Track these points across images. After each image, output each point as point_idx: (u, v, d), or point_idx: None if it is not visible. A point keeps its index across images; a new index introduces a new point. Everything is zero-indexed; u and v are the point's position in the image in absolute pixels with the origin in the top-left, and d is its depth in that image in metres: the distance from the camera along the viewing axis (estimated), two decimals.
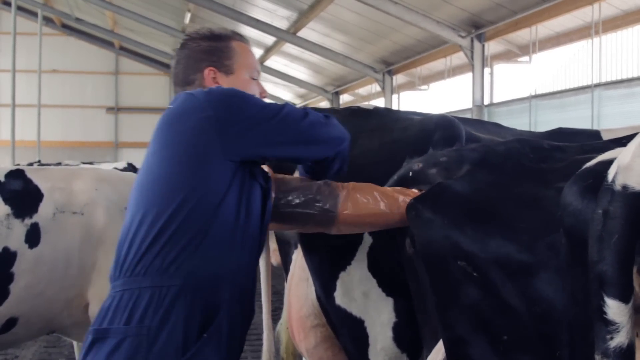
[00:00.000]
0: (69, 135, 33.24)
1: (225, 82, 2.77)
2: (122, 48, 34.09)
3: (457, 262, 2.20)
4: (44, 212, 4.70)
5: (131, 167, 11.38)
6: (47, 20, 32.69)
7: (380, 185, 2.70)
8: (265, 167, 2.68)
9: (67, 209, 4.78)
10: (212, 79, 2.77)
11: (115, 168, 9.06)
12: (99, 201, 4.85)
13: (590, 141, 3.58)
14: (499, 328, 2.12)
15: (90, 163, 12.88)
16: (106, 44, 33.93)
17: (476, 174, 2.36)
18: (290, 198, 2.66)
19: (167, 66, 34.27)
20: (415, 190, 2.58)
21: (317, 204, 2.64)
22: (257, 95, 2.77)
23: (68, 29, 33.30)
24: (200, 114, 2.43)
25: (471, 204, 2.27)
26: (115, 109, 34.36)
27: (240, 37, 2.93)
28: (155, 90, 34.39)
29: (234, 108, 2.45)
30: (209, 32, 2.89)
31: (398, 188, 2.64)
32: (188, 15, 23.87)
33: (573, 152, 2.39)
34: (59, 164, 12.46)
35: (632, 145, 1.68)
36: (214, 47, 2.83)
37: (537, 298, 2.04)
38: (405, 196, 2.57)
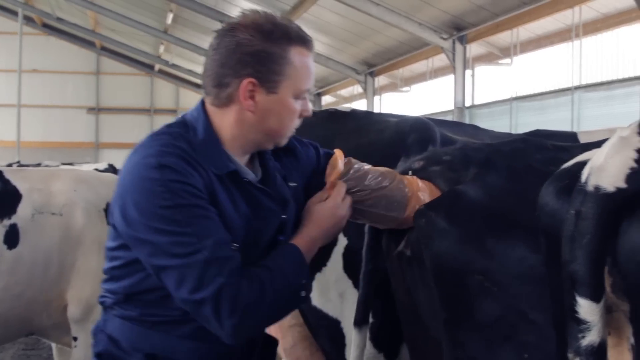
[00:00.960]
0: (49, 136, 33.02)
1: (263, 102, 2.25)
2: (103, 48, 33.91)
3: (474, 275, 2.10)
4: (22, 213, 4.69)
5: (112, 168, 11.31)
6: (28, 20, 32.47)
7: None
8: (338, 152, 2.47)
9: (46, 210, 4.77)
10: (248, 92, 2.23)
11: (96, 169, 9.02)
12: (77, 202, 4.84)
13: (568, 142, 3.62)
14: (521, 346, 2.06)
15: (71, 164, 12.80)
16: (87, 43, 33.74)
17: (487, 178, 2.24)
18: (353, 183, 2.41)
19: (149, 66, 34.18)
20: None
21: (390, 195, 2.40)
22: (294, 119, 2.33)
23: (49, 28, 33.09)
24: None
25: (489, 212, 2.17)
26: (96, 109, 34.17)
27: (304, 41, 2.30)
28: (137, 91, 34.26)
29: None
30: (270, 24, 2.26)
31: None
32: (170, 16, 23.81)
33: (577, 153, 2.22)
34: (38, 164, 12.38)
35: (605, 146, 1.69)
36: (266, 53, 2.22)
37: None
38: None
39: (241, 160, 2.35)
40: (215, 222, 2.17)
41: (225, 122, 2.30)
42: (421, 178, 2.39)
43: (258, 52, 2.22)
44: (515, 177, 2.25)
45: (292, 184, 2.47)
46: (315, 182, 2.51)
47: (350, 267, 2.96)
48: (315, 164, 2.59)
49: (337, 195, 2.38)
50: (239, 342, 2.23)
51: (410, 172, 2.45)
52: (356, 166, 2.44)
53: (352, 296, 2.96)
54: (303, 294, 2.26)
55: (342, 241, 2.98)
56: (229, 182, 2.26)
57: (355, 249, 2.88)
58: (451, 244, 2.16)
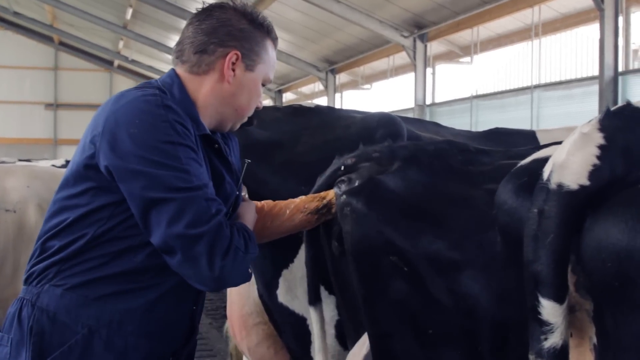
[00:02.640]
0: (6, 132, 32.47)
1: (240, 76, 2.41)
2: (61, 43, 33.46)
3: (389, 257, 2.21)
4: None
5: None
6: None
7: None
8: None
9: (1, 207, 4.70)
10: (231, 63, 2.39)
11: (53, 165, 8.89)
12: (30, 198, 4.78)
13: (526, 141, 3.67)
14: (425, 322, 2.15)
15: (28, 160, 12.60)
16: (45, 38, 33.26)
17: (407, 171, 2.37)
18: None
19: (108, 62, 33.81)
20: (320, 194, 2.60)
21: None
22: (257, 103, 2.51)
23: (5, 22, 32.54)
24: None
25: (404, 200, 2.28)
26: (55, 105, 33.70)
27: (275, 38, 2.55)
28: (96, 87, 33.84)
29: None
30: (256, 15, 2.49)
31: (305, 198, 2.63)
32: (129, 11, 23.57)
33: (498, 157, 2.43)
34: None
35: (567, 143, 1.69)
36: (251, 34, 2.44)
37: (463, 294, 2.07)
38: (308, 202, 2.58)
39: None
40: (205, 171, 2.25)
41: (201, 89, 2.40)
42: (351, 171, 2.54)
43: (245, 30, 2.43)
44: (434, 173, 2.35)
45: (247, 160, 2.62)
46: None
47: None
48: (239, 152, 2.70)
49: (248, 198, 2.61)
50: (218, 288, 2.25)
51: (342, 168, 2.57)
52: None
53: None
54: (250, 270, 2.32)
55: None
56: (202, 145, 2.32)
57: (322, 246, 2.87)
58: (370, 227, 2.27)
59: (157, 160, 2.13)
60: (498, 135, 3.74)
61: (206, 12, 2.43)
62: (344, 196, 2.39)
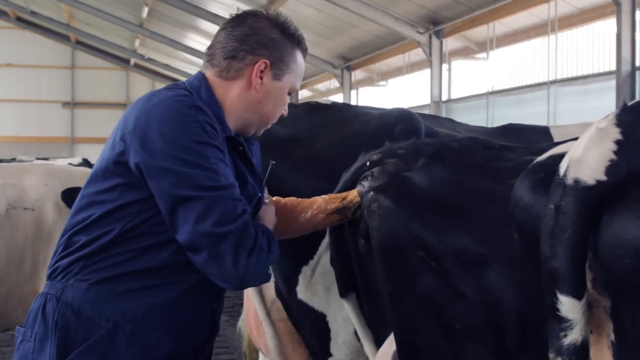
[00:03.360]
0: (24, 131, 32.66)
1: (267, 85, 2.46)
2: (78, 42, 33.59)
3: (417, 252, 2.22)
4: None
5: (86, 163, 11.23)
6: (2, 13, 32.13)
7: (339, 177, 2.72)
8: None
9: (19, 205, 4.75)
10: (259, 72, 2.44)
11: (70, 164, 8.96)
12: (48, 197, 4.83)
13: (539, 137, 3.66)
14: (452, 317, 2.15)
15: (46, 159, 12.69)
16: (62, 37, 33.40)
17: (432, 168, 2.39)
18: None
19: (124, 61, 33.92)
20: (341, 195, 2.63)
21: None
22: (282, 111, 2.57)
23: (23, 22, 32.72)
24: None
25: (430, 196, 2.30)
26: (72, 104, 33.84)
27: (305, 49, 2.59)
28: (113, 85, 33.97)
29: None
30: (288, 25, 2.53)
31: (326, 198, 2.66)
32: (146, 9, 23.63)
33: (522, 152, 2.44)
34: (13, 159, 12.27)
35: (583, 138, 1.68)
36: (282, 44, 2.49)
37: (490, 288, 2.07)
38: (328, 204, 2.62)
39: None
40: (231, 172, 2.29)
41: (228, 94, 2.45)
42: (377, 166, 2.56)
43: (276, 40, 2.47)
44: (459, 169, 2.37)
45: (272, 162, 2.68)
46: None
47: None
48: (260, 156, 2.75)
49: (271, 200, 2.64)
50: (242, 287, 2.31)
51: (368, 163, 2.59)
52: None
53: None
54: (270, 271, 2.36)
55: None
56: (228, 147, 2.36)
57: (343, 242, 2.89)
58: (397, 223, 2.29)
59: (186, 159, 2.18)
60: (511, 132, 3.73)
61: (240, 19, 2.49)
62: (372, 192, 2.41)
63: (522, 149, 2.49)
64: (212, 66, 2.48)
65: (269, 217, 2.53)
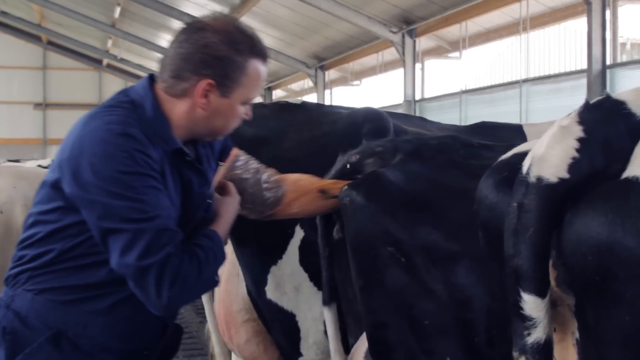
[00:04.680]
0: None
1: (215, 103, 2.41)
2: (50, 42, 33.29)
3: (387, 247, 2.23)
4: None
5: None
6: None
7: (317, 176, 2.71)
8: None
9: None
10: (204, 91, 2.38)
11: (40, 165, 8.87)
12: (17, 199, 4.80)
13: (513, 134, 3.67)
14: (421, 313, 2.16)
15: (17, 160, 12.56)
16: (33, 38, 33.09)
17: (409, 164, 2.40)
18: (239, 172, 2.71)
19: (97, 61, 33.67)
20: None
21: (266, 190, 2.69)
22: (237, 122, 2.53)
23: None
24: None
25: (404, 192, 2.31)
26: (44, 105, 33.54)
27: (262, 54, 2.50)
28: (85, 86, 33.72)
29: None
30: (237, 35, 2.43)
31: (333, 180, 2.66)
32: (118, 9, 23.47)
33: (500, 151, 2.44)
34: None
35: (546, 136, 1.69)
36: (228, 60, 2.39)
37: (459, 285, 2.07)
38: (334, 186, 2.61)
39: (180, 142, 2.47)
40: (165, 196, 2.30)
41: (175, 110, 2.43)
42: (358, 171, 2.56)
43: (222, 57, 2.39)
44: (436, 166, 2.39)
45: (221, 163, 2.69)
46: (222, 159, 2.73)
47: (307, 260, 2.96)
48: (224, 142, 2.74)
49: (235, 191, 2.63)
50: (169, 314, 2.35)
51: (348, 166, 2.60)
52: (242, 157, 2.75)
53: (307, 289, 2.96)
54: (217, 277, 2.44)
55: (299, 233, 2.99)
56: (172, 160, 2.38)
57: (312, 241, 2.88)
58: (368, 218, 2.31)
59: (113, 190, 2.20)
60: (484, 129, 3.73)
61: (187, 34, 2.43)
62: (345, 187, 2.43)
63: (500, 148, 2.47)
64: (161, 80, 2.45)
65: (226, 211, 2.57)
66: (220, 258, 2.42)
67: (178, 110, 2.42)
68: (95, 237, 2.26)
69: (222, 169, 2.69)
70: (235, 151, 2.76)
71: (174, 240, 2.24)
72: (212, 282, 2.42)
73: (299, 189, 2.69)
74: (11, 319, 2.36)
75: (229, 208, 2.58)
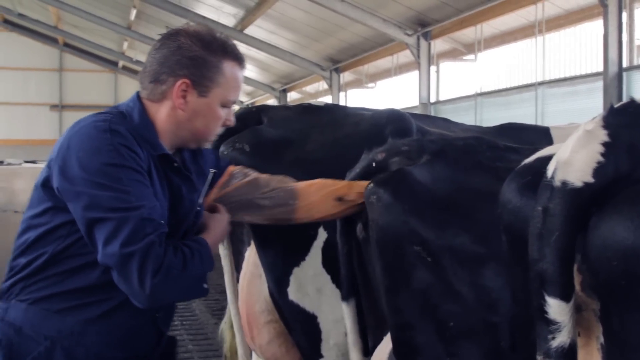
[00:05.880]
0: (12, 133, 32.55)
1: (193, 103, 2.48)
2: (66, 44, 33.49)
3: (413, 246, 2.23)
4: None
5: None
6: None
7: (340, 177, 2.74)
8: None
9: (9, 208, 4.78)
10: (181, 91, 2.47)
11: None
12: None
13: (539, 137, 3.63)
14: (447, 314, 2.16)
15: (34, 162, 12.66)
16: (50, 40, 33.31)
17: (435, 165, 2.40)
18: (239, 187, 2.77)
19: (112, 63, 33.84)
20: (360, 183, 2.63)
21: (269, 199, 2.74)
22: (219, 124, 2.58)
23: (10, 24, 32.61)
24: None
25: (431, 192, 2.31)
26: (60, 106, 33.76)
27: (236, 57, 2.57)
28: (101, 87, 33.92)
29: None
30: (209, 37, 2.51)
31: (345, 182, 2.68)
32: (134, 12, 23.60)
33: (526, 154, 2.42)
34: (1, 162, 12.23)
35: (570, 140, 1.69)
36: (202, 60, 2.47)
37: (486, 288, 2.07)
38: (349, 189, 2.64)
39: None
40: (151, 192, 2.35)
41: (158, 115, 2.51)
42: (383, 168, 2.54)
43: (196, 57, 2.47)
44: (462, 168, 2.37)
45: (212, 170, 2.74)
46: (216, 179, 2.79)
47: (329, 261, 2.97)
48: (215, 163, 2.82)
49: (224, 211, 2.69)
50: (150, 305, 2.33)
51: (374, 164, 2.59)
52: (238, 173, 2.83)
53: (330, 291, 2.97)
54: (205, 285, 2.44)
55: (322, 235, 3.00)
56: (159, 166, 2.45)
57: (334, 242, 2.89)
58: (395, 216, 2.30)
59: (98, 182, 2.26)
60: (509, 131, 3.66)
61: (162, 40, 2.52)
62: (372, 185, 2.43)
63: (527, 150, 2.45)
64: (143, 89, 2.54)
65: (216, 227, 2.63)
66: (207, 262, 2.43)
67: (160, 114, 2.50)
68: (82, 232, 2.30)
69: (216, 187, 2.77)
70: (230, 168, 2.83)
71: (157, 230, 2.27)
72: (198, 287, 2.42)
73: (311, 195, 2.72)
74: (6, 330, 2.41)
75: (218, 223, 2.64)
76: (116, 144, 2.29)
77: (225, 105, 2.56)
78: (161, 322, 2.61)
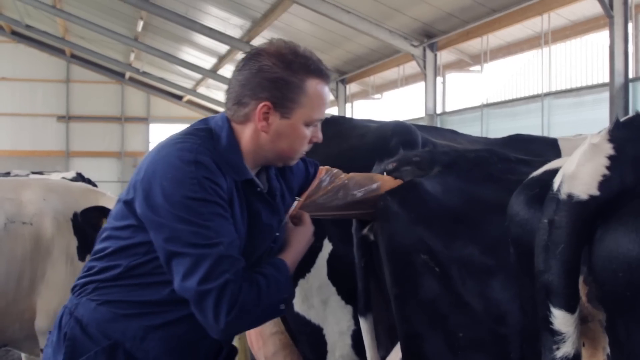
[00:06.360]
0: (19, 144, 32.61)
1: (276, 125, 2.47)
2: (73, 56, 33.59)
3: (420, 255, 2.26)
4: None
5: (80, 177, 11.24)
6: None
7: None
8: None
9: (17, 219, 4.75)
10: (263, 114, 2.45)
11: (64, 178, 8.95)
12: (46, 211, 4.83)
13: (546, 149, 3.63)
14: (456, 325, 2.18)
15: (40, 173, 12.67)
16: (57, 51, 33.40)
17: (446, 176, 2.43)
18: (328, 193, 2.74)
19: (119, 74, 33.92)
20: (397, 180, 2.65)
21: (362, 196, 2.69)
22: (304, 144, 2.55)
23: (18, 36, 32.72)
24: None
25: (440, 203, 2.34)
26: (67, 118, 33.81)
27: (321, 74, 2.53)
28: (108, 99, 33.94)
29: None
30: (290, 56, 2.47)
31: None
32: (140, 23, 23.67)
33: (537, 166, 2.43)
34: (8, 173, 12.26)
35: (576, 153, 1.71)
36: (283, 81, 2.44)
37: (495, 299, 2.09)
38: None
39: (252, 172, 2.54)
40: (231, 224, 2.36)
41: (243, 136, 2.50)
42: (394, 177, 2.61)
43: (277, 79, 2.44)
44: (473, 180, 2.40)
45: (295, 199, 2.74)
46: (305, 188, 2.79)
47: (335, 273, 2.98)
48: (305, 174, 2.81)
49: (309, 222, 2.68)
50: (226, 338, 2.40)
51: (384, 173, 2.65)
52: (326, 177, 2.78)
53: (335, 303, 2.98)
54: (282, 307, 2.45)
55: (327, 247, 3.01)
56: (242, 190, 2.46)
57: (340, 254, 2.90)
58: (402, 225, 2.34)
59: (180, 215, 2.28)
60: (516, 142, 3.66)
61: (245, 60, 2.51)
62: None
63: (538, 163, 2.48)
64: (227, 109, 2.55)
65: (298, 243, 2.62)
66: (285, 288, 2.44)
67: (245, 136, 2.50)
68: (161, 260, 2.34)
69: (305, 193, 2.75)
70: (321, 173, 2.81)
71: (234, 267, 2.29)
72: (275, 310, 2.44)
73: (386, 182, 2.68)
74: (73, 325, 2.46)
75: (301, 238, 2.64)
76: (200, 177, 2.31)
77: (310, 124, 2.53)
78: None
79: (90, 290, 2.48)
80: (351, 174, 2.77)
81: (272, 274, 2.42)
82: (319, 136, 2.59)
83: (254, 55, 2.49)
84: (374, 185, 2.63)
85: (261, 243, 2.55)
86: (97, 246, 2.54)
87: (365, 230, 2.65)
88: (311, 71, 2.50)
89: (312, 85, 2.49)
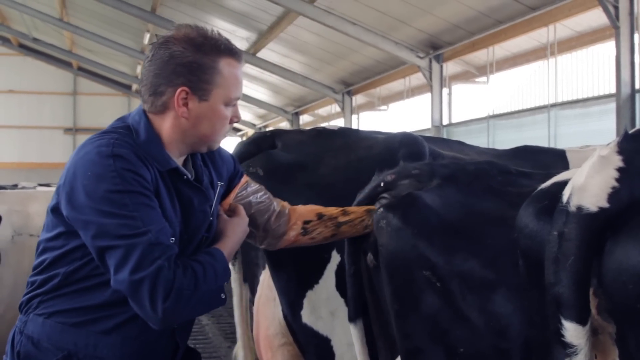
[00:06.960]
0: (26, 157, 32.75)
1: (196, 109, 2.45)
2: (80, 68, 33.74)
3: (422, 271, 2.24)
4: (2, 235, 4.69)
5: None
6: (4, 40, 32.32)
7: (352, 201, 2.75)
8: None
9: (25, 232, 4.77)
10: (182, 100, 2.44)
11: None
12: None
13: (555, 160, 3.62)
14: (456, 340, 2.17)
15: (47, 185, 12.71)
16: (64, 64, 33.56)
17: (446, 189, 2.42)
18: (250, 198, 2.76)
19: (126, 87, 34.05)
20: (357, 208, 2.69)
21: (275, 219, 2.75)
22: (225, 124, 2.55)
23: (25, 48, 32.90)
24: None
25: (440, 216, 2.32)
26: (74, 130, 33.94)
27: (232, 53, 2.51)
28: (114, 111, 33.96)
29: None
30: (200, 37, 2.46)
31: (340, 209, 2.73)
32: (147, 36, 23.76)
33: (538, 179, 2.44)
34: (15, 185, 12.29)
35: (585, 166, 1.71)
36: (197, 64, 2.43)
37: (496, 313, 2.08)
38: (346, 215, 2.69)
39: (178, 161, 2.53)
40: (158, 213, 2.35)
41: (162, 127, 2.49)
42: (392, 190, 2.57)
43: (190, 62, 2.43)
44: (473, 192, 2.39)
45: (220, 183, 2.70)
46: (232, 185, 2.77)
47: (343, 284, 2.98)
48: (233, 164, 2.81)
49: (244, 214, 2.67)
50: (166, 327, 2.35)
51: (382, 184, 2.62)
52: (252, 185, 2.80)
53: (343, 314, 2.98)
54: (223, 295, 2.43)
55: (336, 258, 3.01)
56: (168, 180, 2.45)
57: None
58: (404, 241, 2.32)
59: (104, 210, 2.28)
60: (524, 154, 3.65)
61: (152, 51, 2.49)
62: (381, 209, 2.45)
63: (539, 175, 2.49)
64: (144, 102, 2.53)
65: (233, 233, 2.61)
66: (222, 275, 2.44)
67: (165, 125, 2.49)
68: (95, 258, 2.34)
69: (232, 193, 2.75)
70: (245, 179, 2.82)
71: (165, 254, 2.28)
72: (214, 299, 2.42)
73: (301, 217, 2.75)
74: (25, 343, 2.45)
75: (237, 229, 2.63)
76: (120, 169, 2.30)
77: (229, 103, 2.53)
78: (179, 335, 2.62)
79: (36, 305, 2.47)
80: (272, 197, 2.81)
81: (207, 260, 2.41)
82: (239, 115, 2.59)
83: (163, 43, 2.47)
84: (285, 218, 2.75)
85: (197, 230, 2.54)
86: (35, 261, 2.53)
87: (369, 261, 2.65)
88: (222, 51, 2.48)
89: (226, 64, 2.48)
